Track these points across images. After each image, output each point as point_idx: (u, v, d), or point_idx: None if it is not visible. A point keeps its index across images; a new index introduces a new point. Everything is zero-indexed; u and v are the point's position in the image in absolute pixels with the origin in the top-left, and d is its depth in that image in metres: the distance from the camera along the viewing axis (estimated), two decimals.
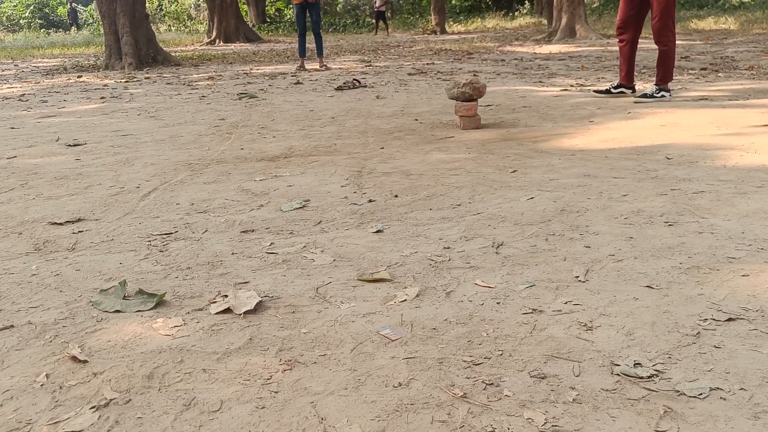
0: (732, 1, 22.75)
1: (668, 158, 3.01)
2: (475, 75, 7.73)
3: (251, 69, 10.40)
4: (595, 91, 5.44)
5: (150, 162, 3.47)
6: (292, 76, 8.69)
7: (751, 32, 13.27)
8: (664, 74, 4.89)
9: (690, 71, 6.92)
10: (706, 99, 4.93)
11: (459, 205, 2.40)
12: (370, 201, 2.51)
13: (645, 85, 5.72)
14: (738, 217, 2.11)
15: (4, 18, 35.99)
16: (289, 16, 30.57)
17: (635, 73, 5.77)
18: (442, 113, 4.70)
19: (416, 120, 4.49)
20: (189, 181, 2.98)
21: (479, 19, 29.77)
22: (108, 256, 2.01)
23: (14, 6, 35.18)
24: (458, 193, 2.56)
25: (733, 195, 2.36)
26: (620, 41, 5.10)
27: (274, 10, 31.83)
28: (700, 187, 2.48)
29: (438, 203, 2.43)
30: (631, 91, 5.23)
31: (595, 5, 31.04)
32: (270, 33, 23.99)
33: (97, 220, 2.43)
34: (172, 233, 2.23)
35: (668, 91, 4.90)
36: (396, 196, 2.57)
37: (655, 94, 4.89)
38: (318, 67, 9.62)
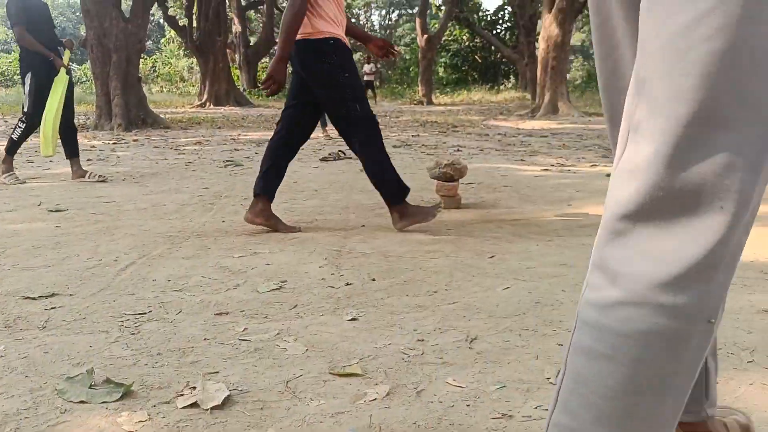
0: None
1: None
2: (458, 150, 7.88)
3: (239, 135, 10.54)
4: None
5: (130, 232, 3.47)
6: None
7: None
8: None
9: None
10: None
11: (435, 292, 2.41)
12: (348, 284, 2.51)
13: None
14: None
15: None
16: None
17: None
18: (424, 189, 4.77)
19: None
20: (167, 255, 2.98)
21: (465, 91, 30.59)
22: (78, 337, 1.99)
23: (10, 62, 35.60)
24: (435, 278, 2.58)
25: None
26: None
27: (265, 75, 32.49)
28: None
29: (415, 289, 2.44)
30: None
31: (577, 82, 32.01)
32: (260, 97, 24.43)
33: (71, 295, 2.41)
34: (145, 313, 2.21)
35: None
36: (373, 279, 2.58)
37: None
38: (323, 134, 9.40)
